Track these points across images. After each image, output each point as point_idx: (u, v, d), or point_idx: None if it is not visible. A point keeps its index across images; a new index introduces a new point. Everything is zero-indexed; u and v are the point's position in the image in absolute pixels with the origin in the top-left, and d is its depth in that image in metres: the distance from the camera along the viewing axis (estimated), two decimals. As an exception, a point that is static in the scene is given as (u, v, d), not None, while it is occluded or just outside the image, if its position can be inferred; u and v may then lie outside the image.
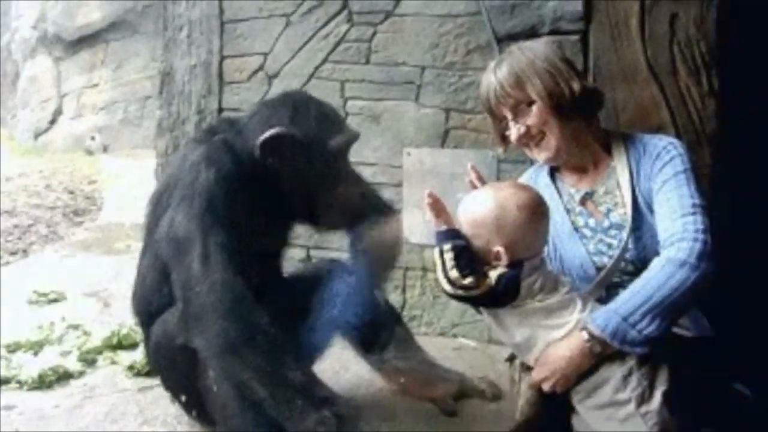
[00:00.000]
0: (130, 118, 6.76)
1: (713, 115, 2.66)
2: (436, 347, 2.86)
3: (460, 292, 1.85)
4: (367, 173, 3.20)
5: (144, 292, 2.37)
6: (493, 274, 1.85)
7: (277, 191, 2.26)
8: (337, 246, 3.13)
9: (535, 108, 2.06)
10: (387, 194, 3.18)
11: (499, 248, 1.84)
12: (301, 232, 3.05)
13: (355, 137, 2.37)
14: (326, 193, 2.29)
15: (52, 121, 6.86)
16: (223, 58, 3.46)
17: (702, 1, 2.65)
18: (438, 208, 1.93)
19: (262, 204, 2.24)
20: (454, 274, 1.84)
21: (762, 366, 2.31)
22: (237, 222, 2.13)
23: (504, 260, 1.84)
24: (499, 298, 1.87)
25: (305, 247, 3.35)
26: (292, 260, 2.94)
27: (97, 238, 4.56)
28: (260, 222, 2.25)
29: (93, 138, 6.64)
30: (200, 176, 2.14)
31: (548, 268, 1.95)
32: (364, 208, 2.38)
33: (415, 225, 3.11)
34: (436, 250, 1.89)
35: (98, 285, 3.83)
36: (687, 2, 2.66)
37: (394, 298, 3.22)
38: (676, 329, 1.96)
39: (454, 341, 3.15)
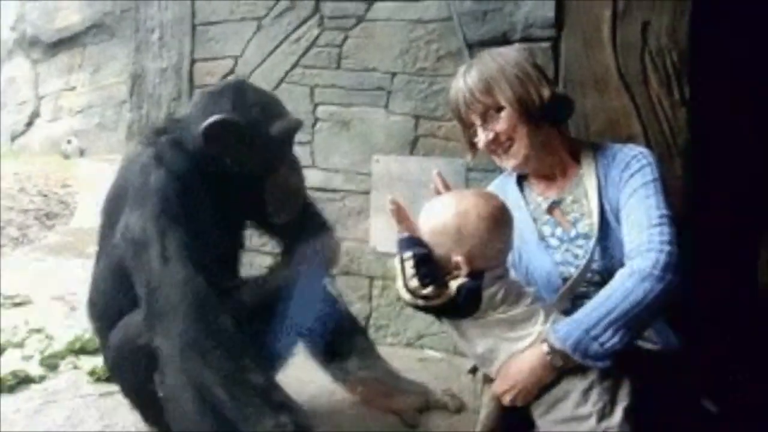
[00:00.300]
0: (107, 122, 6.71)
1: (684, 126, 2.63)
2: (401, 358, 2.84)
3: (419, 301, 1.81)
4: (336, 180, 3.20)
5: (100, 298, 2.34)
6: (454, 284, 1.80)
7: (227, 185, 2.24)
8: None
9: (503, 114, 2.02)
10: (355, 201, 3.17)
11: (459, 258, 1.80)
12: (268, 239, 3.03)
13: (297, 125, 2.36)
14: (269, 180, 2.27)
15: (29, 124, 6.81)
16: (194, 61, 3.43)
17: (674, 10, 2.62)
18: (401, 214, 1.90)
19: (214, 200, 2.22)
20: (413, 283, 1.80)
21: (730, 381, 2.30)
22: (193, 219, 2.12)
23: (464, 270, 1.80)
24: (459, 309, 1.82)
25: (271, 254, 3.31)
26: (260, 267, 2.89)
27: (69, 242, 4.52)
28: (214, 219, 2.22)
29: (69, 141, 6.59)
30: (151, 177, 2.12)
31: (512, 279, 1.91)
32: (303, 221, 2.39)
33: (382, 233, 3.09)
34: (397, 258, 1.84)
35: (66, 289, 3.77)
36: (659, 11, 2.64)
37: (360, 307, 3.20)
38: (641, 342, 1.93)
39: (420, 352, 3.11)
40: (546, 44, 2.81)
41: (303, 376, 2.64)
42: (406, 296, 1.82)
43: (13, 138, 6.73)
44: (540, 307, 1.86)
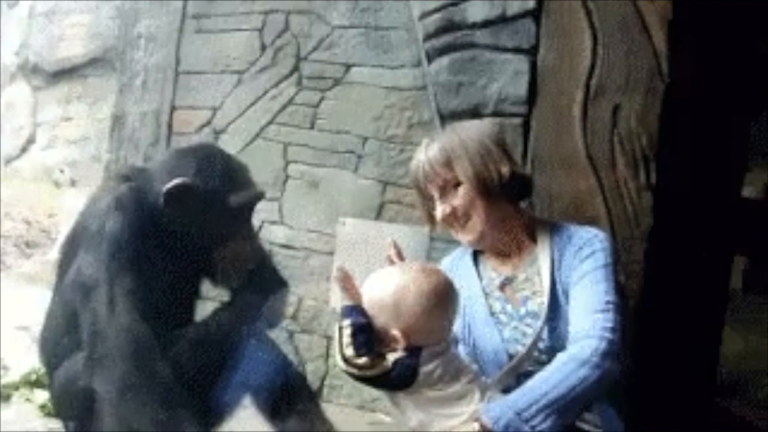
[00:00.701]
0: (101, 155, 6.71)
1: (649, 211, 2.61)
2: (352, 420, 2.87)
3: (353, 370, 1.78)
4: (301, 238, 3.20)
5: (50, 336, 2.38)
6: (391, 358, 1.78)
7: (181, 241, 2.27)
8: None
9: (461, 189, 2.03)
10: (319, 261, 3.17)
11: (396, 332, 1.78)
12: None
13: (258, 197, 2.39)
14: (222, 246, 2.30)
15: (24, 149, 6.83)
16: (174, 108, 3.46)
17: (646, 94, 2.61)
18: (346, 282, 1.89)
19: (169, 253, 2.26)
20: (349, 351, 1.77)
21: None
22: (144, 268, 2.16)
23: (401, 344, 1.78)
24: (393, 382, 1.80)
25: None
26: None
27: (43, 272, 4.44)
28: (168, 270, 2.26)
29: (62, 171, 6.59)
30: (108, 222, 2.16)
31: (452, 355, 1.87)
32: (254, 271, 2.40)
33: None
34: (336, 326, 1.83)
35: (33, 319, 3.71)
36: (631, 94, 2.63)
37: (317, 366, 3.19)
38: (584, 425, 1.91)
39: (372, 416, 3.08)
40: (517, 120, 2.81)
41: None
42: (341, 364, 1.80)
43: (7, 162, 6.75)
44: (476, 386, 1.83)
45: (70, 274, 2.21)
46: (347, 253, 3.11)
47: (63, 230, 5.00)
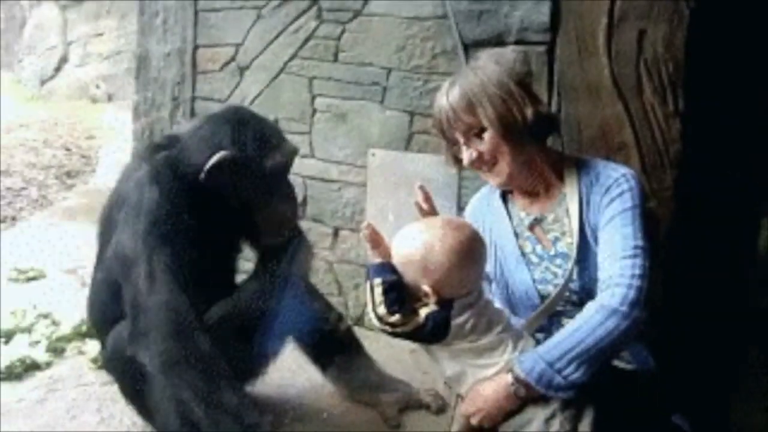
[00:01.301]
0: (134, 68, 6.76)
1: (677, 137, 2.58)
2: (393, 348, 2.88)
3: (387, 328, 1.85)
4: (333, 171, 3.24)
5: (97, 303, 2.46)
6: (423, 313, 1.83)
7: (219, 210, 2.30)
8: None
9: (486, 135, 2.01)
10: (352, 192, 3.22)
11: (426, 288, 1.83)
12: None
13: (293, 154, 2.41)
14: (262, 210, 2.34)
15: (58, 69, 6.87)
16: (196, 47, 3.44)
17: (671, 19, 2.54)
18: (375, 239, 1.92)
19: (208, 220, 2.28)
20: (381, 310, 1.83)
21: (702, 398, 2.33)
22: (182, 241, 2.20)
23: (432, 299, 1.83)
24: (427, 336, 1.86)
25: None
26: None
27: (86, 204, 4.57)
28: (207, 238, 2.28)
29: (98, 86, 6.65)
30: (145, 195, 2.20)
31: (483, 305, 1.91)
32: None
33: (378, 223, 3.13)
34: (367, 284, 1.88)
35: (79, 261, 3.83)
36: (656, 20, 2.55)
37: (357, 294, 3.28)
38: (617, 362, 1.96)
39: (412, 344, 3.15)
40: (541, 48, 2.76)
41: (295, 367, 2.78)
42: (375, 322, 1.86)
43: (43, 82, 6.81)
44: (509, 336, 1.89)
45: (111, 248, 2.26)
46: (379, 184, 3.14)
47: (103, 154, 5.10)
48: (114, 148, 5.35)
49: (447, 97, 2.05)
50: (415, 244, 1.85)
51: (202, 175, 2.24)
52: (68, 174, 5.03)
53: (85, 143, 5.53)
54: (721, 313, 2.62)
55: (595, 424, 1.84)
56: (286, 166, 2.39)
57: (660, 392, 2.00)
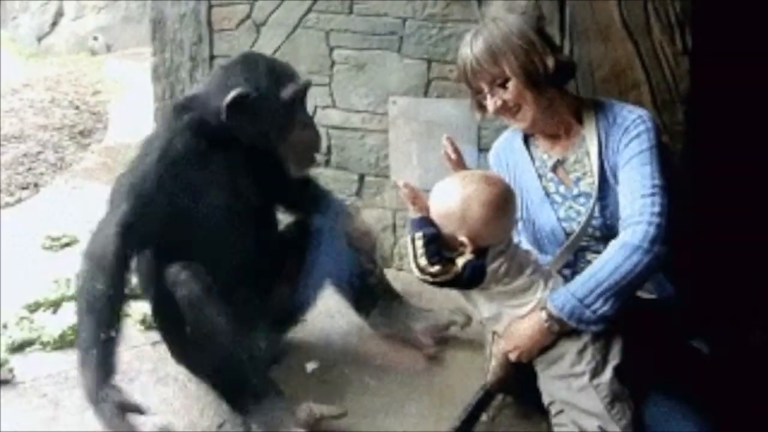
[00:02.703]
0: (132, 15, 6.76)
1: (686, 74, 2.72)
2: (420, 284, 2.95)
3: (428, 278, 2.02)
4: (355, 119, 3.34)
5: None
6: (460, 262, 2.00)
7: (250, 149, 2.49)
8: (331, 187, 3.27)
9: (510, 84, 2.15)
10: (375, 140, 3.34)
11: (464, 238, 1.99)
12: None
13: (306, 85, 2.57)
14: (285, 141, 2.50)
15: (54, 24, 6.86)
16: (211, 7, 3.48)
17: (678, -40, 2.65)
18: (413, 195, 2.06)
19: (239, 167, 2.49)
20: (422, 261, 2.00)
21: (722, 322, 2.49)
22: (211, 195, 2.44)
23: (469, 248, 1.99)
24: (465, 283, 2.04)
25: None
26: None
27: (104, 163, 4.61)
28: (241, 185, 2.50)
29: (96, 38, 6.65)
30: (164, 150, 2.40)
31: (514, 251, 2.08)
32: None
33: (401, 168, 3.28)
34: (408, 238, 2.04)
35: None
36: (663, -39, 2.66)
37: (385, 236, 3.40)
38: (639, 293, 2.12)
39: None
40: (552, -7, 2.86)
41: (335, 312, 2.93)
42: (416, 273, 2.03)
43: (39, 39, 6.80)
44: (540, 277, 2.07)
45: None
46: (400, 130, 3.27)
47: (112, 109, 5.13)
48: (123, 103, 5.38)
49: (471, 48, 2.17)
50: (454, 198, 2.01)
51: (223, 116, 2.39)
52: (81, 133, 5.06)
53: (92, 99, 5.53)
54: (736, 241, 2.78)
55: (623, 353, 2.02)
56: (302, 96, 2.54)
57: (681, 318, 2.17)
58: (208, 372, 2.46)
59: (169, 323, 2.52)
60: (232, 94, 2.38)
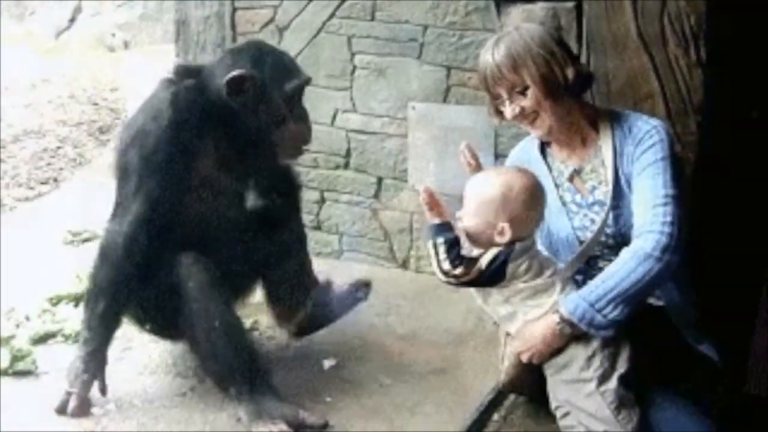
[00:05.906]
0: (150, 13, 6.82)
1: (700, 85, 2.76)
2: (438, 287, 2.82)
3: (452, 280, 2.09)
4: (375, 124, 3.42)
5: None
6: (485, 259, 2.06)
7: (243, 127, 2.57)
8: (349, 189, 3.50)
9: (529, 92, 2.19)
10: (394, 144, 3.42)
11: (504, 224, 2.05)
12: (314, 176, 3.31)
13: (306, 81, 2.66)
14: (279, 129, 2.59)
15: (72, 19, 6.92)
16: (235, 10, 3.57)
17: (693, -26, 2.70)
18: (432, 201, 2.13)
19: (229, 141, 2.59)
20: (446, 266, 2.07)
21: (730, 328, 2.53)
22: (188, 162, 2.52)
23: (507, 235, 2.05)
24: (486, 281, 2.10)
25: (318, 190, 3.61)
26: (307, 202, 3.33)
27: None
28: (229, 157, 2.61)
29: (113, 35, 6.71)
30: (157, 121, 2.48)
31: (536, 251, 2.16)
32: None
33: (419, 172, 3.35)
34: (430, 243, 2.10)
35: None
36: (679, -25, 2.72)
37: (401, 238, 3.50)
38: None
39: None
40: (570, 4, 2.89)
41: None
42: (440, 276, 2.10)
43: (58, 34, 6.86)
44: (558, 280, 2.13)
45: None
46: (418, 135, 3.36)
47: (130, 107, 5.15)
48: (141, 100, 5.36)
49: (492, 56, 2.22)
50: (495, 183, 2.08)
51: (223, 90, 2.47)
52: (100, 130, 5.10)
53: (111, 96, 5.55)
54: (744, 249, 2.82)
55: (630, 361, 2.07)
56: (300, 91, 2.62)
57: (686, 324, 2.21)
58: (204, 359, 2.51)
59: (162, 310, 2.59)
60: (237, 72, 2.47)
